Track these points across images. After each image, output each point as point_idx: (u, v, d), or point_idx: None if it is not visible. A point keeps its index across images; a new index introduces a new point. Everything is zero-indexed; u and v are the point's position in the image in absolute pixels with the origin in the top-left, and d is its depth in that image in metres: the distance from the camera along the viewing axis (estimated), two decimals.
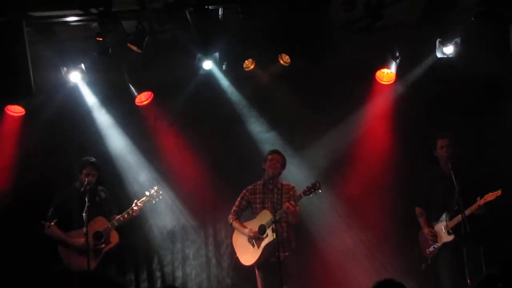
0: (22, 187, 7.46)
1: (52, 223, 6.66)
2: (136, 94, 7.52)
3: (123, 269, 7.58)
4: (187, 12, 6.41)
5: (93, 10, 6.23)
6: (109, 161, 7.61)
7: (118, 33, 6.50)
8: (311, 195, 6.51)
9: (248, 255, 6.79)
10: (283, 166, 6.93)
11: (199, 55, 7.12)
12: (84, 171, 6.82)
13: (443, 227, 6.49)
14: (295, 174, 7.43)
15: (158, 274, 7.72)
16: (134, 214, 6.89)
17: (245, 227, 6.84)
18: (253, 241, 6.74)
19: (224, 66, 7.37)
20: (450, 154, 6.51)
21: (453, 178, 6.23)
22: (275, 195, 6.64)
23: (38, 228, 6.71)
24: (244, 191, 7.04)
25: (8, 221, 7.32)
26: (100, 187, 7.04)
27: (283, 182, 6.92)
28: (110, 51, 6.66)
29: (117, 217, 6.83)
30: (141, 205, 6.95)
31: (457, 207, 6.23)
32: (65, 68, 7.12)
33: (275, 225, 6.33)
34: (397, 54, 7.13)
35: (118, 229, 6.86)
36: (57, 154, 7.58)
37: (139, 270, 7.71)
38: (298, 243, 6.88)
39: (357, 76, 7.39)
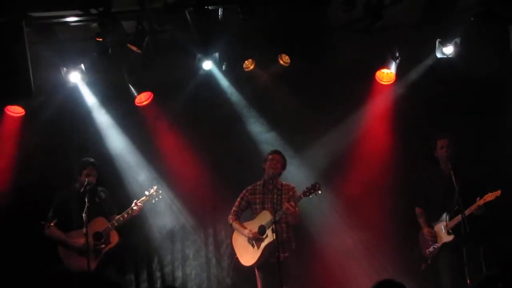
0: (22, 188, 7.45)
1: (52, 224, 6.66)
2: (136, 94, 7.51)
3: (123, 269, 7.58)
4: (187, 12, 6.41)
5: (93, 11, 6.22)
6: (109, 161, 7.61)
7: (118, 34, 6.50)
8: (310, 196, 6.51)
9: (248, 255, 6.79)
10: (283, 166, 6.93)
11: (199, 55, 7.11)
12: (84, 172, 6.82)
13: (443, 227, 6.49)
14: (295, 174, 7.43)
15: (158, 274, 7.72)
16: (134, 214, 6.89)
17: (245, 228, 6.84)
18: (253, 241, 6.74)
19: (224, 67, 7.36)
20: (450, 155, 6.51)
21: (453, 178, 6.23)
22: (275, 196, 6.64)
23: (38, 228, 6.71)
24: (244, 191, 7.04)
25: (8, 221, 7.32)
26: (100, 188, 7.04)
27: (283, 183, 6.92)
28: (110, 52, 6.65)
29: (117, 217, 6.83)
30: (141, 205, 6.95)
31: (457, 207, 6.23)
32: (65, 69, 7.11)
33: (275, 225, 6.33)
34: (397, 55, 7.12)
35: (118, 229, 6.85)
36: (57, 154, 7.58)
37: (139, 270, 7.72)
38: (298, 243, 6.88)
39: (357, 76, 7.39)
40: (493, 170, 6.89)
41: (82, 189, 6.66)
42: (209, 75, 7.41)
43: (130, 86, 7.46)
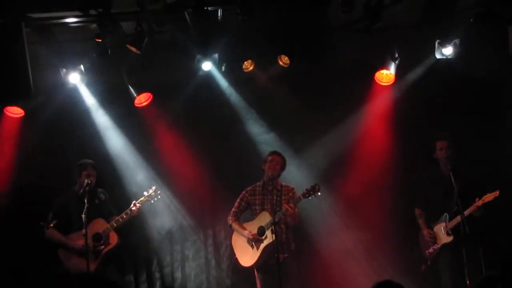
0: (21, 188, 7.45)
1: (51, 225, 6.65)
2: (135, 95, 7.51)
3: (123, 270, 7.57)
4: (186, 13, 6.40)
5: (92, 12, 6.20)
6: (108, 161, 7.60)
7: (117, 34, 6.49)
8: (310, 198, 6.51)
9: (247, 256, 6.79)
10: (282, 167, 6.92)
11: (198, 56, 7.11)
12: (84, 173, 6.82)
13: (442, 228, 6.49)
14: (295, 174, 7.42)
15: (157, 275, 7.72)
16: (133, 214, 6.87)
17: (245, 229, 6.84)
18: (252, 242, 6.73)
19: (223, 67, 7.35)
20: (449, 156, 6.51)
21: (453, 180, 6.24)
22: (275, 197, 6.64)
23: (38, 229, 6.71)
24: (244, 192, 7.03)
25: (7, 222, 7.31)
26: (100, 189, 7.03)
27: (283, 183, 6.92)
28: (109, 52, 6.64)
29: (116, 218, 6.83)
30: (140, 205, 6.93)
31: (456, 208, 6.24)
32: (64, 69, 7.11)
33: (274, 226, 6.32)
34: (396, 55, 7.12)
35: (117, 230, 6.84)
36: (56, 155, 7.57)
37: (139, 271, 7.72)
38: (298, 243, 6.88)
39: (357, 76, 7.39)
40: (493, 170, 6.89)
41: (82, 190, 6.66)
42: (208, 76, 7.41)
43: (130, 87, 7.46)
